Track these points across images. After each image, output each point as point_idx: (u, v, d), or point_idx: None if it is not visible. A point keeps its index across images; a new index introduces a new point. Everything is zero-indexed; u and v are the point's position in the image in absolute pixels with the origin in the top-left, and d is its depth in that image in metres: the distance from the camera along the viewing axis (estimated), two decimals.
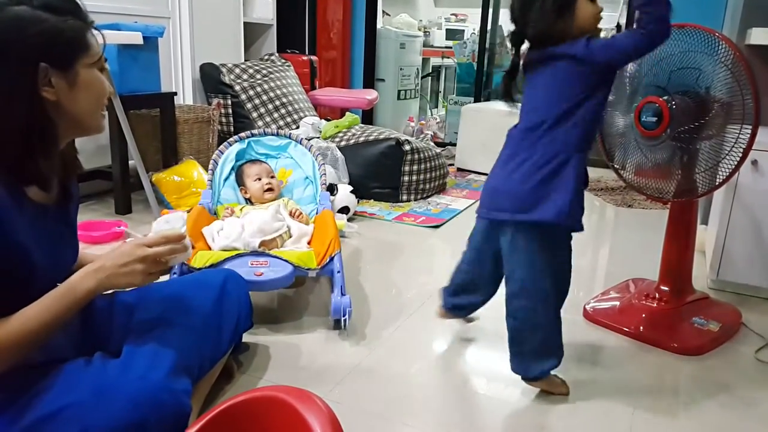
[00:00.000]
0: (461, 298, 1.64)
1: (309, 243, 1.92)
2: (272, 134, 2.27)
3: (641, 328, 1.76)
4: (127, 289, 1.18)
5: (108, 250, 1.27)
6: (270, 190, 2.10)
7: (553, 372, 1.44)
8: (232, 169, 2.20)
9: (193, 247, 1.71)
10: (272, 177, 2.14)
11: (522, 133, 1.37)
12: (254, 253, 1.75)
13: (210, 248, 1.81)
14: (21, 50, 0.94)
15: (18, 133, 0.96)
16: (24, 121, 0.96)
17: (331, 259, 1.76)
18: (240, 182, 2.16)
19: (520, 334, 1.41)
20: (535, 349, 1.41)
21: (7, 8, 0.95)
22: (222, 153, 2.19)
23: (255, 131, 2.26)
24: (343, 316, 1.66)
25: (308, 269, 1.72)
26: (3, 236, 0.94)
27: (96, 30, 1.05)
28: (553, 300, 1.40)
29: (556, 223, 1.30)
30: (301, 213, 2.02)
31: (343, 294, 1.69)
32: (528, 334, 1.40)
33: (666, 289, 1.84)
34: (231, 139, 2.22)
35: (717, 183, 1.64)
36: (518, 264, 1.38)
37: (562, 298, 1.43)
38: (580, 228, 1.34)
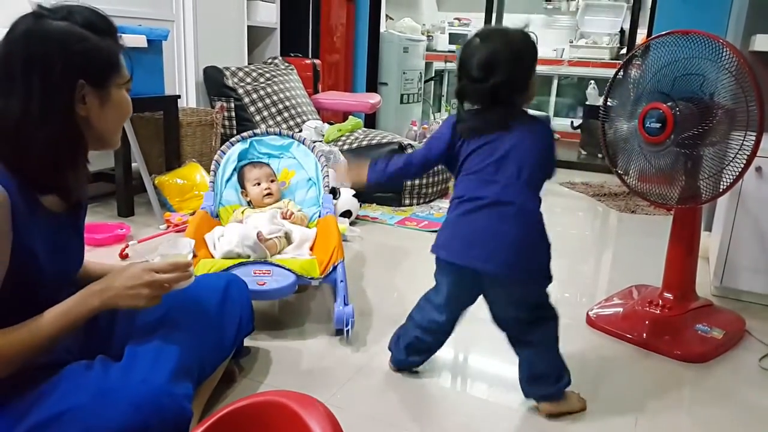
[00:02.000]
0: (420, 356, 1.54)
1: (311, 248, 1.91)
2: (275, 134, 2.24)
3: (644, 334, 1.76)
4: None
5: (110, 265, 1.27)
6: (269, 194, 2.09)
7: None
8: (235, 169, 2.18)
9: (195, 256, 1.71)
10: (272, 181, 2.12)
11: None
12: (257, 263, 1.73)
13: (212, 256, 1.80)
14: (64, 65, 0.97)
15: (50, 144, 0.98)
16: (58, 135, 0.99)
17: (334, 268, 1.74)
18: (242, 184, 2.15)
19: (537, 356, 1.37)
20: (548, 372, 1.38)
21: (51, 22, 0.97)
22: (224, 153, 2.17)
23: (257, 131, 2.24)
24: (346, 326, 1.65)
25: (311, 278, 1.71)
26: (17, 243, 0.94)
27: (126, 52, 1.09)
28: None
29: None
30: (293, 213, 2.01)
31: (346, 304, 1.68)
32: (544, 356, 1.37)
33: (669, 295, 1.83)
34: (233, 138, 2.20)
35: (721, 189, 1.64)
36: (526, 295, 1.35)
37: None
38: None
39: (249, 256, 1.77)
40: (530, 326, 1.36)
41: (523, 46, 1.33)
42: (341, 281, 1.72)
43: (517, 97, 1.34)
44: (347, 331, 1.66)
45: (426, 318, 1.45)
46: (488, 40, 1.31)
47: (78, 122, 1.01)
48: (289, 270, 1.69)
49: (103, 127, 1.06)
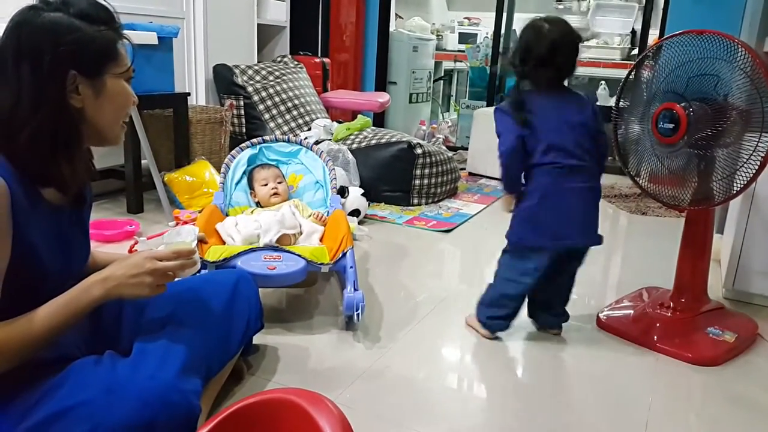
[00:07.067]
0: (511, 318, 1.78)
1: (321, 240, 1.93)
2: (284, 140, 2.29)
3: (655, 337, 1.74)
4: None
5: (119, 254, 1.27)
6: (276, 194, 2.11)
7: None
8: (244, 173, 2.22)
9: (206, 242, 1.73)
10: (279, 182, 2.15)
11: None
12: (267, 248, 1.75)
13: (224, 244, 1.82)
14: (54, 56, 0.96)
15: (41, 134, 0.97)
16: (50, 125, 0.98)
17: (344, 254, 1.76)
18: (251, 185, 2.18)
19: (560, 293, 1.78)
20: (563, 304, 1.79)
21: (43, 14, 0.97)
22: (234, 158, 2.22)
23: (267, 137, 2.28)
24: (356, 310, 1.65)
25: (321, 264, 1.72)
26: (17, 235, 0.94)
27: (128, 41, 1.07)
28: None
29: None
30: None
31: (355, 289, 1.69)
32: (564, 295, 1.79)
33: (680, 298, 1.81)
34: (243, 144, 2.25)
35: (734, 191, 1.62)
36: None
37: None
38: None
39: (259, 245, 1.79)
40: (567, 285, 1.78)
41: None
42: (350, 267, 1.73)
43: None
44: (357, 315, 1.66)
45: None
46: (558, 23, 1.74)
47: (72, 114, 1.00)
48: (299, 255, 1.71)
49: (100, 119, 1.04)
